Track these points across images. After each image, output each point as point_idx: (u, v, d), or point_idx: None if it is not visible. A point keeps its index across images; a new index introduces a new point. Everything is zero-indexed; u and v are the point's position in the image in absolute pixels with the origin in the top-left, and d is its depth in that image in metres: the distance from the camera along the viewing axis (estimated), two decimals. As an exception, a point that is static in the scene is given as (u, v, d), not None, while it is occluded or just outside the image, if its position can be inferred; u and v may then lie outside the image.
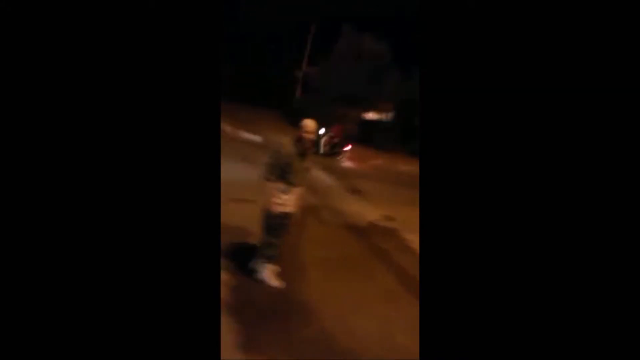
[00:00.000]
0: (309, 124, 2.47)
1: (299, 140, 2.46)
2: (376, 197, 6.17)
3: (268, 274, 2.65)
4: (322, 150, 8.67)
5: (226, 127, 9.47)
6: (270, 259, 2.64)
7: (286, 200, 2.50)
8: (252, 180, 5.13)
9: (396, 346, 2.33)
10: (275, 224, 2.55)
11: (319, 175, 6.61)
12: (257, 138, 9.20)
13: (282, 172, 2.43)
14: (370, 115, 15.48)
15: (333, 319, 2.44)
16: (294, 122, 3.07)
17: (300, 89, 15.08)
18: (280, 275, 2.78)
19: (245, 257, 2.84)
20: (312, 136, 2.46)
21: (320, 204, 5.00)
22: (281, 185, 2.46)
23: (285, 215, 2.57)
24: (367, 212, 5.18)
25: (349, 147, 9.07)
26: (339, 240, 3.92)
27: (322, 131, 8.71)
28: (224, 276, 2.63)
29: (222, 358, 1.82)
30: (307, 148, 2.49)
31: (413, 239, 4.48)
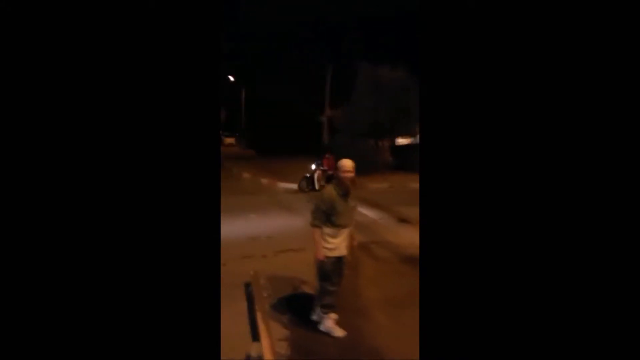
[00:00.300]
0: (345, 163, 2.50)
1: (339, 181, 2.49)
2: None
3: (331, 323, 2.52)
4: (317, 186, 8.43)
5: (263, 180, 9.83)
6: (330, 308, 2.54)
7: (337, 244, 2.48)
8: (297, 228, 5.14)
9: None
10: (330, 270, 2.49)
11: (362, 211, 6.47)
12: (293, 186, 9.38)
13: (327, 215, 2.45)
14: (402, 141, 15.39)
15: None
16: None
17: (326, 133, 15.51)
18: (342, 323, 2.61)
19: (303, 308, 2.72)
20: (351, 175, 2.47)
21: (368, 240, 4.81)
22: (329, 230, 2.47)
23: (339, 260, 2.53)
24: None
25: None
26: (399, 275, 3.67)
27: (313, 167, 8.56)
28: (288, 332, 2.52)
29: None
30: (348, 187, 2.50)
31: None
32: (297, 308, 2.80)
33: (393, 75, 12.23)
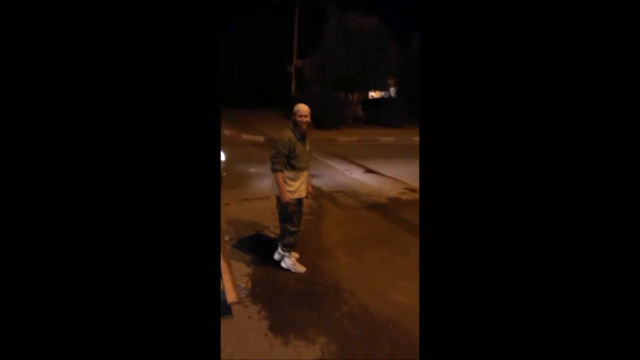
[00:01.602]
0: (301, 107, 2.58)
1: (296, 125, 2.56)
2: (393, 172, 6.08)
3: (292, 261, 2.69)
4: None
5: (226, 132, 9.57)
6: (291, 247, 2.69)
7: (297, 187, 2.60)
8: (261, 179, 5.15)
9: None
10: (291, 211, 2.62)
11: (330, 163, 6.57)
12: (259, 139, 9.24)
13: (287, 159, 2.54)
14: (374, 94, 15.30)
15: (370, 294, 2.41)
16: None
17: (294, 84, 15.03)
18: (306, 261, 2.78)
19: (265, 250, 2.84)
20: (308, 119, 2.56)
21: (334, 189, 4.97)
22: (289, 173, 2.57)
23: (299, 202, 2.66)
24: (386, 188, 5.11)
25: None
26: (363, 220, 3.87)
27: None
28: (250, 269, 2.65)
29: (258, 346, 1.84)
30: (304, 131, 2.57)
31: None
32: (259, 249, 2.92)
33: (364, 24, 11.81)
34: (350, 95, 13.07)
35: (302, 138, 2.58)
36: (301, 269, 2.67)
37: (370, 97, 14.99)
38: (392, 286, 2.52)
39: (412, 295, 2.41)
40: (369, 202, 4.44)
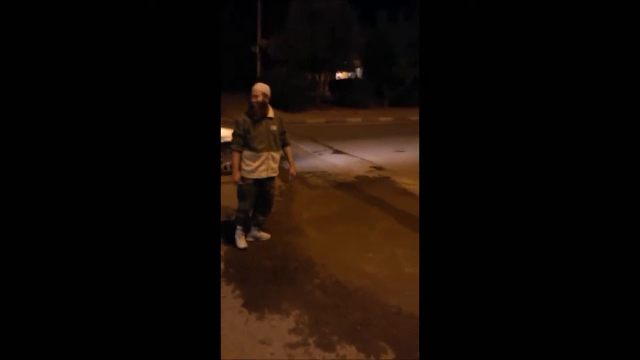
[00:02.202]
0: (254, 87, 2.56)
1: (249, 105, 2.56)
2: (361, 152, 6.20)
3: (237, 235, 2.73)
4: None
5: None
6: (240, 223, 2.73)
7: (254, 167, 2.59)
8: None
9: (405, 276, 2.43)
10: (245, 190, 2.65)
11: (299, 145, 6.57)
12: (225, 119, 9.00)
13: (244, 140, 2.57)
14: (341, 76, 15.25)
15: (340, 266, 2.51)
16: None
17: (259, 65, 14.62)
18: (278, 239, 2.84)
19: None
20: (258, 99, 2.53)
21: (303, 170, 5.00)
22: (247, 153, 2.60)
23: (257, 182, 2.64)
24: (354, 168, 5.22)
25: None
26: (332, 198, 3.96)
27: None
28: (222, 251, 2.65)
29: (232, 322, 1.89)
30: (257, 111, 2.55)
31: (405, 181, 4.56)
32: (229, 232, 2.92)
33: (330, 3, 11.62)
34: (317, 76, 12.96)
35: (261, 119, 2.56)
36: (242, 244, 2.70)
37: (337, 78, 14.93)
38: (360, 258, 2.64)
39: (380, 265, 2.54)
40: (337, 182, 4.53)
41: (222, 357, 1.63)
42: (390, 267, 2.53)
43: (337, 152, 6.31)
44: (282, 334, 1.84)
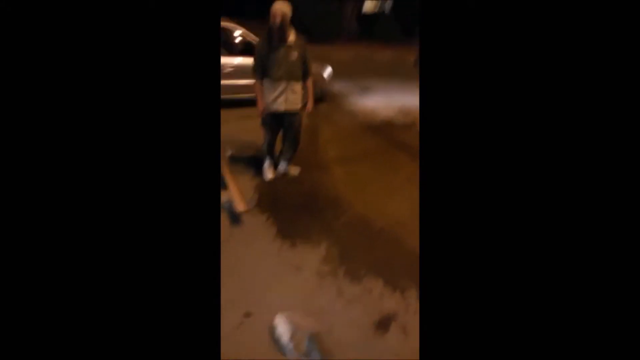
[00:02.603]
0: (273, 7, 2.15)
1: (268, 29, 2.24)
2: (387, 92, 5.95)
3: (264, 168, 2.77)
4: None
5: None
6: (266, 155, 2.74)
7: (273, 98, 2.40)
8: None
9: (430, 221, 2.49)
10: (266, 122, 2.56)
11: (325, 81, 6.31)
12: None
13: (263, 69, 2.33)
14: (369, 8, 14.00)
15: (365, 206, 2.57)
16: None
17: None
18: (307, 175, 2.89)
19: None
20: (277, 21, 2.15)
21: (329, 106, 4.87)
22: (266, 82, 2.39)
23: (276, 116, 2.50)
24: (380, 109, 5.05)
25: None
26: (358, 139, 3.90)
27: None
28: (254, 183, 2.73)
29: (266, 249, 2.01)
30: (274, 35, 2.23)
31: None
32: (260, 165, 2.96)
33: None
34: (344, 8, 11.92)
35: (280, 44, 2.25)
36: (267, 176, 2.75)
37: (363, 12, 13.71)
38: (385, 199, 2.69)
39: (403, 208, 2.60)
40: (363, 122, 4.43)
41: (259, 283, 1.78)
42: (413, 211, 2.58)
43: (363, 90, 6.06)
44: (314, 263, 1.96)
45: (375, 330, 1.60)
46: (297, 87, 2.42)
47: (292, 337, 1.48)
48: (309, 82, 2.52)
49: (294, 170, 2.87)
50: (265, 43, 2.29)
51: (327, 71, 4.89)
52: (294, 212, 2.41)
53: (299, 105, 2.50)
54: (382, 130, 4.24)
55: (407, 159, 3.48)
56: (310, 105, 2.60)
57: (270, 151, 2.73)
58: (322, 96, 4.89)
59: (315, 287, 1.80)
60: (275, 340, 1.49)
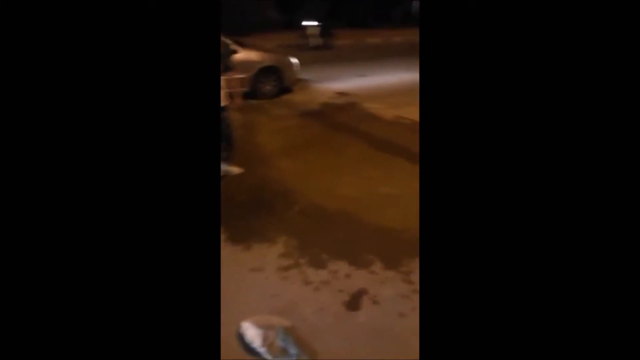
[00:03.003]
0: None
1: None
2: (323, 77, 5.95)
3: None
4: None
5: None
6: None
7: None
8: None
9: (381, 196, 2.52)
10: None
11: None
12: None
13: None
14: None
15: (318, 192, 2.52)
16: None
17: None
18: (250, 172, 2.77)
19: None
20: None
21: (265, 99, 4.73)
22: None
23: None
24: (318, 94, 5.04)
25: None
26: (298, 127, 3.84)
27: None
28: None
29: (220, 254, 1.88)
30: None
31: (372, 105, 4.52)
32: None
33: None
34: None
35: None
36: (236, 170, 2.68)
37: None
38: (336, 182, 2.67)
39: (356, 188, 2.60)
40: (302, 110, 4.37)
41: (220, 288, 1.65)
42: (366, 189, 2.60)
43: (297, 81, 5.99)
44: (273, 260, 1.87)
45: (347, 310, 1.57)
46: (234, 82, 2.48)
47: (264, 339, 1.39)
48: (229, 78, 2.54)
49: (235, 170, 2.74)
50: None
51: (295, 63, 5.16)
52: (241, 213, 2.28)
53: (223, 102, 2.47)
54: (323, 115, 4.22)
55: (352, 140, 3.50)
56: (236, 101, 2.64)
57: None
58: (291, 86, 5.12)
59: (278, 284, 1.72)
60: (247, 348, 1.39)
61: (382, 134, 3.57)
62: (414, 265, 1.85)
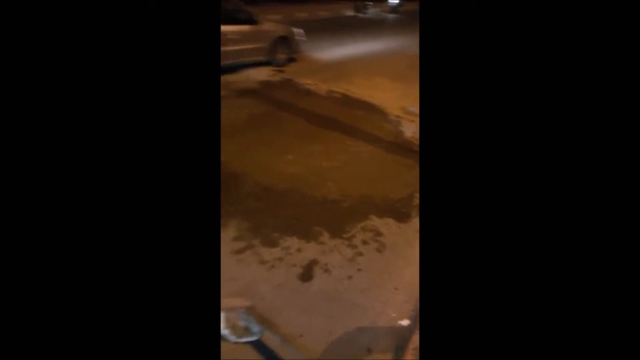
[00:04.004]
0: None
1: None
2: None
3: None
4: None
5: None
6: None
7: None
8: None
9: (324, 169, 2.56)
10: None
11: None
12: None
13: None
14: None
15: (263, 172, 2.47)
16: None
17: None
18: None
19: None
20: None
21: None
22: None
23: None
24: (255, 73, 4.78)
25: None
26: (238, 107, 3.64)
27: None
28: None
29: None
30: None
31: (307, 81, 4.44)
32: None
33: None
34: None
35: None
36: None
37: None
38: (280, 161, 2.63)
39: (299, 164, 2.59)
40: (240, 89, 4.13)
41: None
42: (309, 165, 2.61)
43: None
44: (228, 244, 1.82)
45: (302, 282, 1.62)
46: None
47: (226, 322, 1.39)
48: None
49: None
50: None
51: (298, 32, 5.36)
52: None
53: None
54: (261, 93, 4.04)
55: (291, 117, 3.43)
56: None
57: None
58: (295, 55, 5.36)
59: (234, 267, 1.69)
60: (209, 333, 1.37)
61: (320, 110, 3.56)
62: (355, 230, 1.96)
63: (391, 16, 13.19)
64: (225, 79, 4.49)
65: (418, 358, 0.67)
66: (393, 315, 1.52)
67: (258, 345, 1.35)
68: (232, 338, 1.35)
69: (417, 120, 3.55)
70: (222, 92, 4.04)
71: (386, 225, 2.06)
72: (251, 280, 1.61)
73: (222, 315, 1.40)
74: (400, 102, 4.10)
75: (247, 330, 1.37)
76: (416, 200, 2.32)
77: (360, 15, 10.92)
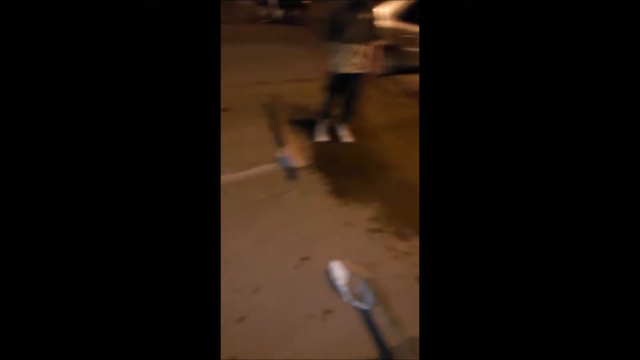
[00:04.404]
0: None
1: None
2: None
3: (319, 129, 2.71)
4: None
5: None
6: (323, 116, 2.66)
7: (338, 60, 2.32)
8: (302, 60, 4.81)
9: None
10: (331, 84, 2.47)
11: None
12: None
13: (337, 30, 2.22)
14: None
15: (413, 169, 2.50)
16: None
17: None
18: (357, 141, 2.83)
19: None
20: None
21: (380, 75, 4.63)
22: (333, 44, 2.28)
23: (343, 77, 2.41)
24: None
25: None
26: (405, 105, 3.72)
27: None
28: (307, 141, 2.74)
29: (322, 205, 2.05)
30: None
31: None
32: (312, 128, 2.94)
33: None
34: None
35: (356, 5, 2.16)
36: (325, 138, 2.69)
37: None
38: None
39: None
40: (410, 89, 4.19)
41: (315, 232, 1.83)
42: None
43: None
44: (364, 220, 1.98)
45: (417, 283, 1.62)
46: (365, 49, 2.32)
47: (348, 281, 1.54)
48: (376, 45, 2.38)
49: (348, 137, 2.81)
50: (339, 5, 2.21)
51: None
52: (345, 174, 2.41)
53: (365, 68, 2.40)
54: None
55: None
56: (377, 67, 2.47)
57: (327, 114, 2.67)
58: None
59: (366, 242, 1.83)
60: (331, 283, 1.56)
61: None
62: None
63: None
64: (400, 78, 4.61)
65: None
66: None
67: (366, 315, 1.45)
68: (347, 297, 1.50)
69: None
70: (392, 88, 4.18)
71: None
72: (376, 260, 1.72)
73: (346, 274, 1.56)
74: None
75: (361, 297, 1.49)
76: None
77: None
